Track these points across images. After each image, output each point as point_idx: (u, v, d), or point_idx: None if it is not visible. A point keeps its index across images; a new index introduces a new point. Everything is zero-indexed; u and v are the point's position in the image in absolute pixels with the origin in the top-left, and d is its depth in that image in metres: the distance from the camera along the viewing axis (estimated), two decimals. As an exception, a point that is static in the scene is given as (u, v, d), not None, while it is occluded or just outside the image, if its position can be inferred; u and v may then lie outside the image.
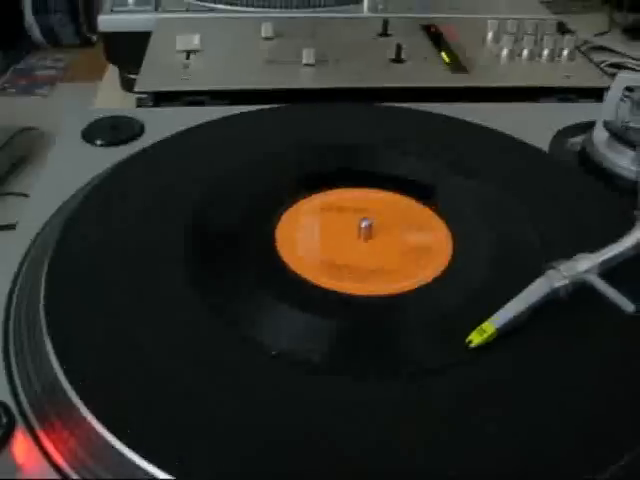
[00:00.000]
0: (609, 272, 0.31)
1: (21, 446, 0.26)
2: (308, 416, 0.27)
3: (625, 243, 0.32)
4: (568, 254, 0.31)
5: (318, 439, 0.26)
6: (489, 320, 0.29)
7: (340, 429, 0.26)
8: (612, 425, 0.26)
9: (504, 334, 0.29)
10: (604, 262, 0.31)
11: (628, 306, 0.28)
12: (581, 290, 0.30)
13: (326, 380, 0.28)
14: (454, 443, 0.26)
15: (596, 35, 0.76)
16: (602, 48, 0.75)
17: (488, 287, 0.33)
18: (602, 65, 0.68)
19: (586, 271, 0.30)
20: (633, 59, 0.72)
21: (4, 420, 0.26)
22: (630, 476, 0.25)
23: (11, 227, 0.39)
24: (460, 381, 0.28)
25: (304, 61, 0.56)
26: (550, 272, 0.30)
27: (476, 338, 0.28)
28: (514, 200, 0.38)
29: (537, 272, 0.31)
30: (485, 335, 0.28)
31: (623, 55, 0.73)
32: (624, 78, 0.43)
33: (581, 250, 0.31)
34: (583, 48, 0.71)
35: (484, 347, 0.29)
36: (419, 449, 0.25)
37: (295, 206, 0.38)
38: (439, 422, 0.26)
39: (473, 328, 0.29)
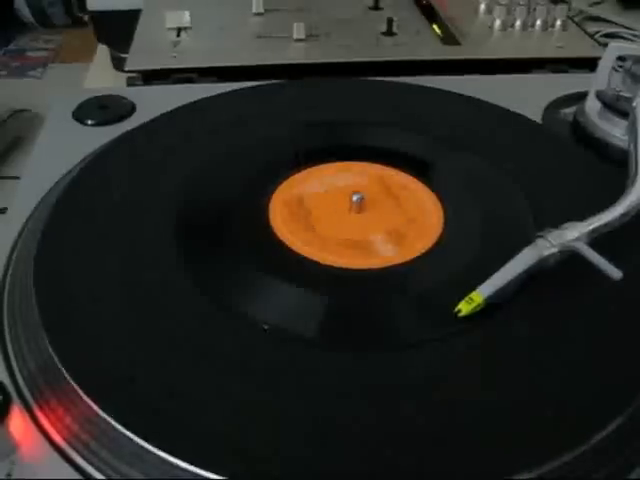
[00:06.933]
0: (598, 240, 0.31)
1: (18, 423, 0.26)
2: (303, 391, 0.27)
3: (613, 212, 0.32)
4: (559, 224, 0.31)
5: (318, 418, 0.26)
6: (477, 289, 0.29)
7: (337, 404, 0.26)
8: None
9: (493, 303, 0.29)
10: (593, 231, 0.31)
11: (616, 273, 0.28)
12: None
13: (320, 354, 0.28)
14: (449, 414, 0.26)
15: (591, 5, 0.76)
16: (597, 18, 0.74)
17: (479, 258, 0.33)
18: (597, 35, 0.67)
19: (575, 239, 0.30)
20: (628, 29, 0.71)
21: (0, 397, 0.27)
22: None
23: (3, 211, 0.39)
24: (449, 352, 0.28)
25: (295, 36, 0.55)
26: (539, 241, 0.30)
27: (465, 307, 0.29)
28: (506, 172, 0.38)
29: (528, 243, 0.31)
30: (473, 304, 0.29)
31: (617, 25, 0.72)
32: (616, 47, 0.43)
33: (572, 220, 0.32)
34: (578, 18, 0.71)
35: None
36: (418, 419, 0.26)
37: (287, 182, 0.38)
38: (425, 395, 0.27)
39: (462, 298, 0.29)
